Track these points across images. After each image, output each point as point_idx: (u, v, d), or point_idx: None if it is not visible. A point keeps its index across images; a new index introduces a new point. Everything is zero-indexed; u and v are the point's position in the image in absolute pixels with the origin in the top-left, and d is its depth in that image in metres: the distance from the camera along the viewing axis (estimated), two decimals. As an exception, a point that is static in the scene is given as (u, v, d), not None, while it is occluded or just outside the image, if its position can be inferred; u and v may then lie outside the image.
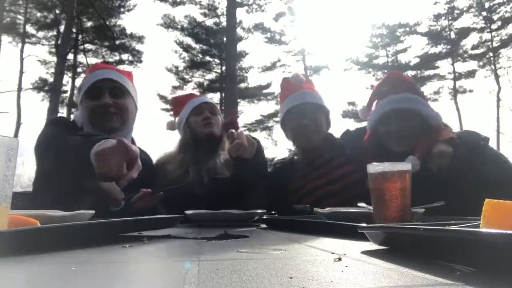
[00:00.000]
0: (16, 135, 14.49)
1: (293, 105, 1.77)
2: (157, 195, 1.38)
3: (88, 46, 17.37)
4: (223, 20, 16.55)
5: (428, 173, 1.36)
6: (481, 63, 18.93)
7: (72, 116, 1.69)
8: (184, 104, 1.88)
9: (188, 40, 18.32)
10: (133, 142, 1.59)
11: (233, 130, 1.47)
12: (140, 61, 17.79)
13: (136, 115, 1.62)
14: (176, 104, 1.97)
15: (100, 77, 1.50)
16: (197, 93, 2.03)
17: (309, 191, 1.72)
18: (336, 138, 1.86)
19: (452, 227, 0.55)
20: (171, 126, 1.93)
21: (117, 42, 17.31)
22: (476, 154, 1.38)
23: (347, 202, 1.33)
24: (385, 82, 1.62)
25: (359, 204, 1.09)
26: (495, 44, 18.40)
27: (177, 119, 1.90)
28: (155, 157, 1.83)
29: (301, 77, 1.85)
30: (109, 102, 1.47)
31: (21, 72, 16.19)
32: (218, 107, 1.92)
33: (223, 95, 17.19)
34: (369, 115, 1.64)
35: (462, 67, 19.15)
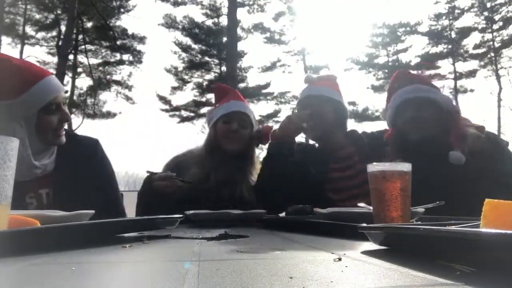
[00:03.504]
0: (16, 135, 14.47)
1: (299, 99, 1.84)
2: (176, 182, 1.46)
3: (88, 46, 17.38)
4: (222, 20, 16.56)
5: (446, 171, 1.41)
6: (482, 63, 18.95)
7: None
8: (222, 99, 1.77)
9: (187, 41, 18.32)
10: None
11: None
12: (140, 62, 17.82)
13: None
14: (217, 94, 1.86)
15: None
16: (238, 94, 1.83)
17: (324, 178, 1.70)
18: (360, 135, 1.82)
19: (452, 227, 0.55)
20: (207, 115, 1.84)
21: (118, 42, 17.31)
22: (499, 150, 1.44)
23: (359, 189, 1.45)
24: (395, 81, 1.70)
25: (359, 204, 1.09)
26: (496, 44, 18.40)
27: (209, 114, 1.80)
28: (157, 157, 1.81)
29: (312, 76, 1.84)
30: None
31: (21, 73, 16.17)
32: (253, 117, 1.79)
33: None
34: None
35: (462, 66, 19.18)
